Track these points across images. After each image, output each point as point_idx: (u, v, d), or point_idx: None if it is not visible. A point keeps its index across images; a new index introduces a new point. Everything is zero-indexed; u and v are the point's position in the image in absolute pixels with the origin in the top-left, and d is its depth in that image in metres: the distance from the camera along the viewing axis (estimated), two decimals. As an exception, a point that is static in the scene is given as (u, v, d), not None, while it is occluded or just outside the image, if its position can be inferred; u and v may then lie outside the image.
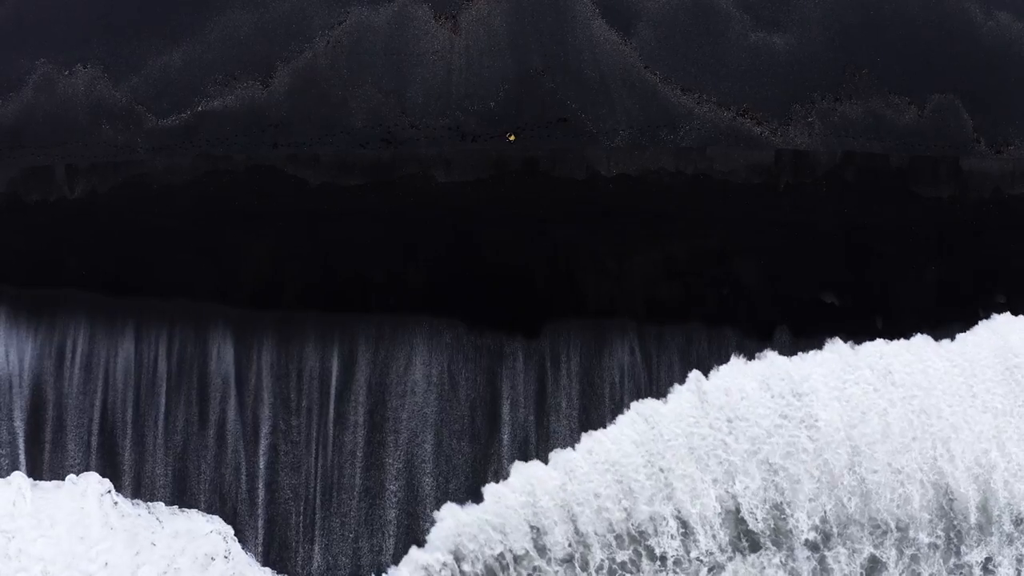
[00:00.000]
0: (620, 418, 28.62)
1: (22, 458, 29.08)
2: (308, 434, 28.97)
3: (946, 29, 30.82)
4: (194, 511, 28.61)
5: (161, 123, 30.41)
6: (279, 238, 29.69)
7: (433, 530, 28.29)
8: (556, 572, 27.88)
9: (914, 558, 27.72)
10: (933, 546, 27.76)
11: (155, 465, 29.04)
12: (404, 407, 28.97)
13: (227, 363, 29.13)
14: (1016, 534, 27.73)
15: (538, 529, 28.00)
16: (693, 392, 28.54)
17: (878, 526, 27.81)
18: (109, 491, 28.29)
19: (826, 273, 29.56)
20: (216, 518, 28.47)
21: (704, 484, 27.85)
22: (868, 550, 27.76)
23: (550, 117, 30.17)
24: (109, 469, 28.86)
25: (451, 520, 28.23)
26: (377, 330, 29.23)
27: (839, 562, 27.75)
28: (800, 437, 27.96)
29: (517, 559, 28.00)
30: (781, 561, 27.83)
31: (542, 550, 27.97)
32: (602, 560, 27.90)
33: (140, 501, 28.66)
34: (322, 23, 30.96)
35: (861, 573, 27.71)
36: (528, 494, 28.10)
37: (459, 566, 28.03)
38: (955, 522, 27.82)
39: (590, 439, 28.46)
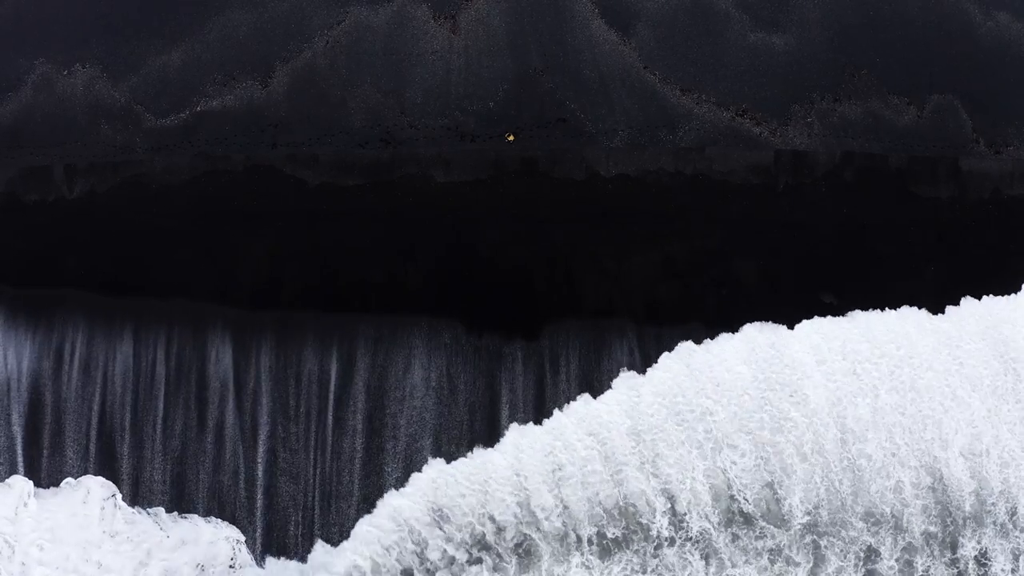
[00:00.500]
0: (613, 382, 28.38)
1: (20, 462, 28.77)
2: (307, 440, 28.64)
3: (945, 29, 30.48)
4: (196, 516, 28.28)
5: (160, 123, 30.11)
6: (278, 238, 29.36)
7: (413, 477, 27.96)
8: (549, 547, 27.52)
9: (909, 548, 27.36)
10: (928, 535, 27.39)
11: (153, 471, 28.70)
12: (403, 412, 28.63)
13: (226, 365, 28.79)
14: (1010, 526, 27.37)
15: (525, 497, 27.57)
16: (681, 361, 28.25)
17: (872, 513, 27.44)
18: (113, 495, 28.05)
19: (825, 274, 29.18)
20: (223, 523, 28.18)
21: (691, 455, 27.50)
22: (863, 538, 27.40)
23: (549, 117, 29.86)
24: (107, 473, 28.54)
25: (434, 471, 27.87)
26: (376, 331, 28.88)
27: (834, 550, 27.40)
28: (790, 412, 27.59)
29: (502, 528, 27.57)
30: (776, 546, 27.47)
31: (529, 520, 27.56)
32: (591, 535, 27.49)
33: (141, 508, 28.30)
34: (321, 23, 30.64)
35: (856, 563, 27.36)
36: (515, 457, 27.74)
37: (444, 530, 27.64)
38: (950, 507, 27.45)
39: (579, 405, 28.13)
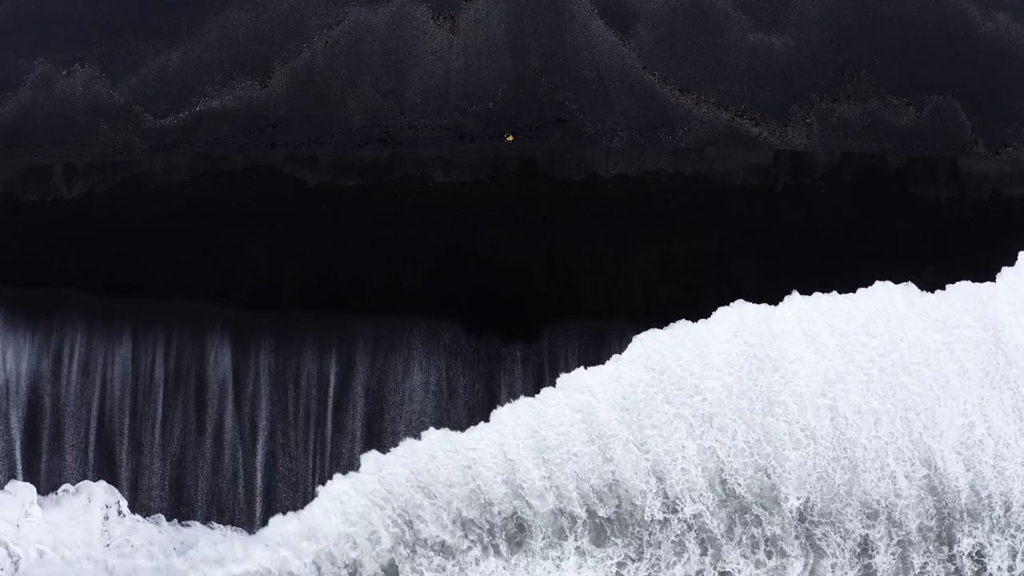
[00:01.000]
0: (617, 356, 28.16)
1: (19, 465, 28.50)
2: (305, 445, 28.33)
3: (944, 30, 30.14)
4: (198, 524, 28.08)
5: (159, 123, 29.84)
6: (277, 238, 29.05)
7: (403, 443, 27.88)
8: (541, 529, 27.27)
9: (905, 543, 27.07)
10: (924, 528, 27.12)
11: (152, 476, 28.41)
12: (402, 417, 28.29)
13: (225, 368, 28.47)
14: (1004, 523, 27.09)
15: (511, 471, 27.39)
16: (666, 338, 28.08)
17: (867, 505, 27.17)
18: (117, 502, 27.85)
19: (824, 274, 28.79)
20: (228, 529, 27.98)
21: (680, 433, 27.29)
22: (859, 530, 27.15)
23: (548, 117, 29.54)
24: (106, 476, 28.30)
25: (431, 440, 27.80)
26: (375, 331, 28.57)
27: (828, 541, 27.12)
28: (781, 394, 27.40)
29: (489, 503, 27.39)
30: (771, 535, 27.19)
31: (518, 495, 27.38)
32: (583, 515, 27.27)
33: (141, 517, 28.06)
34: (320, 23, 30.32)
35: (852, 559, 27.08)
36: (499, 432, 27.61)
37: (427, 500, 27.46)
38: (946, 498, 27.18)
39: (566, 380, 27.94)
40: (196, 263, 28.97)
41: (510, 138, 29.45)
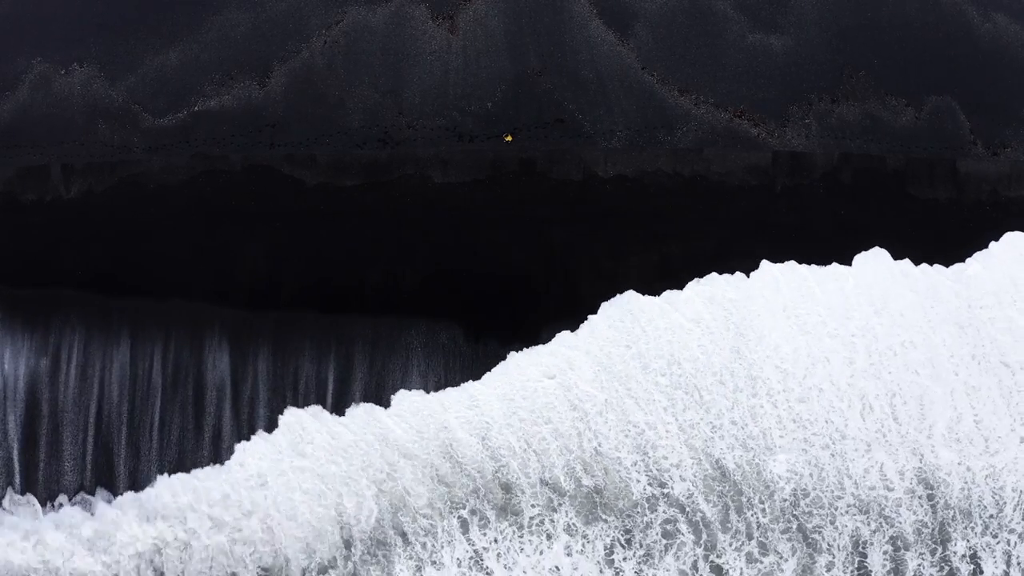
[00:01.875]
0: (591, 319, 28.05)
1: (17, 468, 28.22)
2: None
3: (943, 31, 29.78)
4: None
5: (158, 123, 29.54)
6: (275, 238, 28.73)
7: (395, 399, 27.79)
8: (527, 497, 27.10)
9: (896, 538, 26.76)
10: (918, 524, 26.82)
11: (150, 484, 28.08)
12: (401, 422, 28.09)
13: (223, 370, 28.13)
14: (997, 526, 26.80)
15: (488, 433, 27.38)
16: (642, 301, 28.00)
17: (860, 499, 26.93)
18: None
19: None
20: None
21: (658, 405, 27.17)
22: (852, 524, 26.89)
23: (547, 118, 29.20)
24: (105, 479, 28.03)
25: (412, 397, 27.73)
26: (374, 332, 28.24)
27: (822, 535, 26.88)
28: (764, 369, 27.27)
29: (460, 462, 27.29)
30: (762, 524, 26.94)
31: (495, 456, 27.33)
32: (574, 489, 27.11)
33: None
34: (319, 23, 30.00)
35: (847, 559, 26.78)
36: (471, 397, 27.60)
37: (406, 460, 27.35)
38: (937, 493, 26.92)
39: (543, 346, 27.88)
40: (194, 263, 28.64)
41: (509, 138, 29.13)
